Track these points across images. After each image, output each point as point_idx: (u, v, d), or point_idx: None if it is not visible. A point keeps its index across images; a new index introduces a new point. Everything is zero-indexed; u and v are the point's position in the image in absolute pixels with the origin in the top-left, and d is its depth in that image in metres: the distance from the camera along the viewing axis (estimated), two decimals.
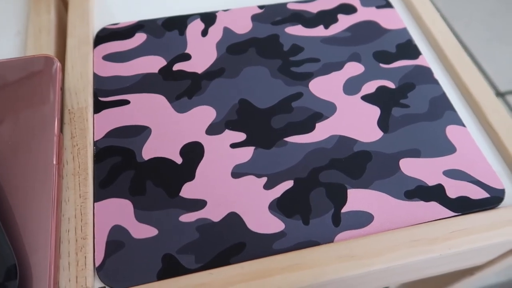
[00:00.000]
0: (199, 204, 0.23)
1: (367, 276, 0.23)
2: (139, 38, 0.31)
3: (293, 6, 0.33)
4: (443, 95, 0.28)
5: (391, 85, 0.29)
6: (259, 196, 0.24)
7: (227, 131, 0.26)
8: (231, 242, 0.22)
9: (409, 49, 0.31)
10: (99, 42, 0.31)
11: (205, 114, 0.27)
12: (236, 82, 0.29)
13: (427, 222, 0.23)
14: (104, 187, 0.24)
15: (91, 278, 0.21)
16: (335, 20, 0.32)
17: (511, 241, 0.23)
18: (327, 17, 0.33)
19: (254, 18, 0.32)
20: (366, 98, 0.28)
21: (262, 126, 0.27)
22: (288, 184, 0.24)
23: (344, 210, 0.23)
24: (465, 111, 0.28)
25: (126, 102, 0.28)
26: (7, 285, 0.19)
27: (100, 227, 0.23)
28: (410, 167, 0.25)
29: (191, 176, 0.24)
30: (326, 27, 0.32)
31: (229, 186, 0.24)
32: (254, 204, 0.24)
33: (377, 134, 0.26)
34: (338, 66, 0.30)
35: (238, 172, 0.25)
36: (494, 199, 0.24)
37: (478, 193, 0.24)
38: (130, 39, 0.31)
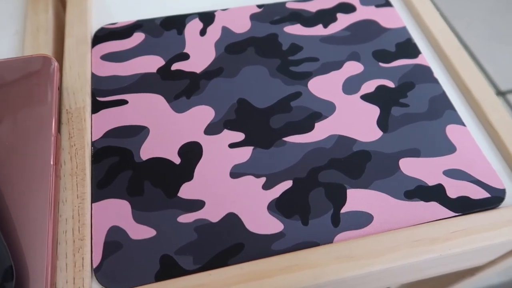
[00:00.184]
0: (198, 204, 0.23)
1: (367, 277, 0.23)
2: (137, 37, 0.31)
3: (292, 5, 0.33)
4: (443, 94, 0.28)
5: (390, 84, 0.29)
6: (258, 196, 0.24)
7: (225, 131, 0.26)
8: (230, 243, 0.22)
9: (408, 48, 0.31)
10: (97, 42, 0.30)
11: (203, 114, 0.27)
12: (234, 81, 0.29)
13: (427, 223, 0.23)
14: (102, 188, 0.24)
15: (88, 280, 0.21)
16: (334, 19, 0.32)
17: None
18: (326, 16, 0.32)
19: (253, 17, 0.32)
20: (365, 97, 0.28)
21: (261, 126, 0.26)
22: (287, 184, 0.24)
23: (343, 210, 0.23)
24: (465, 110, 0.28)
25: (124, 102, 0.27)
26: (3, 287, 0.19)
27: (97, 228, 0.22)
28: (410, 167, 0.25)
29: (189, 176, 0.24)
30: (325, 26, 0.32)
31: (228, 187, 0.24)
32: (253, 205, 0.23)
33: (377, 133, 0.26)
34: (337, 65, 0.30)
35: (236, 172, 0.24)
36: (494, 199, 0.24)
37: (478, 193, 0.24)
38: (128, 39, 0.31)
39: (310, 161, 0.25)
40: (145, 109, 0.27)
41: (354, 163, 0.25)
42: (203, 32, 0.31)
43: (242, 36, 0.31)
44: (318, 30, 0.31)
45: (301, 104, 0.27)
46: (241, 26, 0.32)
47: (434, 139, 0.26)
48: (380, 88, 0.28)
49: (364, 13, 0.33)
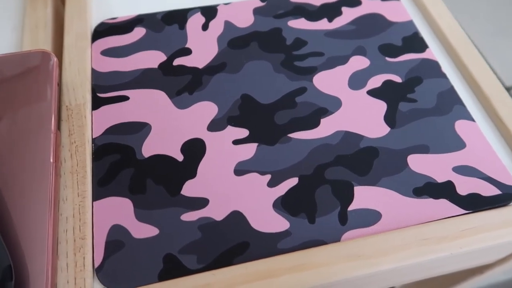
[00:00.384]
0: (201, 202, 0.23)
1: (375, 276, 0.22)
2: (138, 32, 0.30)
3: None
4: (451, 89, 0.28)
5: (397, 79, 0.28)
6: (263, 194, 0.23)
7: (229, 127, 0.26)
8: (234, 242, 0.22)
9: (415, 42, 0.30)
10: (97, 37, 0.30)
11: (206, 110, 0.26)
12: (238, 77, 0.28)
13: (436, 220, 0.22)
14: (103, 186, 0.23)
15: (90, 280, 0.20)
16: (339, 13, 0.32)
17: None
18: (330, 10, 0.32)
19: (256, 11, 0.32)
20: (372, 92, 0.27)
21: (265, 122, 0.26)
22: (292, 182, 0.23)
23: (351, 208, 0.23)
24: (474, 105, 0.27)
25: (125, 98, 0.27)
26: (3, 287, 0.18)
27: (99, 226, 0.22)
28: (419, 163, 0.24)
29: (192, 174, 0.24)
30: (330, 20, 0.31)
31: (232, 184, 0.23)
32: (258, 202, 0.23)
33: (384, 129, 0.26)
34: (343, 60, 0.29)
35: (241, 170, 0.24)
36: (505, 196, 0.23)
37: (489, 190, 0.23)
38: (129, 34, 0.30)
39: (316, 158, 0.24)
40: (146, 105, 0.26)
41: (361, 160, 0.24)
42: (205, 27, 0.31)
43: (245, 31, 0.30)
44: (323, 24, 0.31)
45: (306, 99, 0.27)
46: (244, 20, 0.31)
47: (443, 135, 0.25)
48: (387, 83, 0.28)
49: (369, 6, 0.32)
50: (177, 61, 0.29)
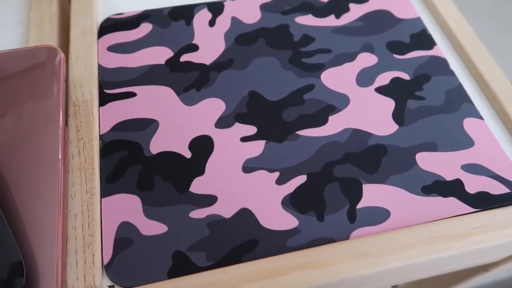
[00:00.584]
0: (210, 199, 0.23)
1: (383, 274, 0.22)
2: (145, 28, 0.30)
3: None
4: (460, 86, 0.27)
5: (405, 76, 0.28)
6: (271, 191, 0.23)
7: (237, 124, 0.25)
8: (243, 239, 0.22)
9: (423, 39, 0.30)
10: (103, 33, 0.30)
11: (214, 106, 0.26)
12: (245, 73, 0.28)
13: (445, 219, 0.22)
14: (111, 182, 0.23)
15: (99, 277, 0.20)
16: (347, 10, 0.31)
17: None
18: (338, 6, 0.31)
19: (263, 7, 0.31)
20: (380, 90, 0.27)
21: (273, 119, 0.26)
22: (301, 179, 0.23)
23: (359, 206, 0.23)
24: (483, 103, 0.27)
25: (133, 94, 0.27)
26: (14, 282, 0.18)
27: (108, 223, 0.22)
28: (427, 161, 0.24)
29: (200, 171, 0.24)
30: (338, 16, 0.31)
31: (240, 181, 0.23)
32: (267, 200, 0.23)
33: (392, 127, 0.26)
34: (351, 57, 0.29)
35: (249, 167, 0.24)
36: None
37: (498, 188, 0.23)
38: (136, 29, 0.30)
39: (325, 155, 0.24)
40: (154, 101, 0.26)
41: (370, 157, 0.24)
42: (212, 23, 0.30)
43: (252, 27, 0.30)
44: (331, 21, 0.31)
45: (314, 96, 0.27)
46: (251, 16, 0.31)
47: (452, 132, 0.25)
48: (395, 80, 0.28)
49: (377, 3, 0.32)
50: (184, 57, 0.28)
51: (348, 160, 0.24)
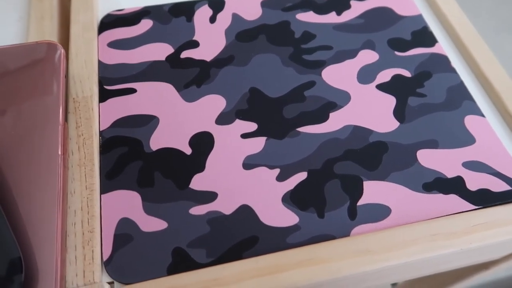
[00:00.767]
0: (210, 196, 0.23)
1: (383, 271, 0.22)
2: (145, 24, 0.30)
3: None
4: (461, 84, 0.27)
5: (406, 73, 0.28)
6: (271, 188, 0.23)
7: (237, 121, 0.25)
8: (243, 236, 0.21)
9: (425, 37, 0.30)
10: (103, 29, 0.29)
11: (214, 103, 0.26)
12: (246, 70, 0.28)
13: (446, 216, 0.22)
14: (111, 179, 0.23)
15: (99, 273, 0.20)
16: (348, 6, 0.31)
17: None
18: (339, 3, 0.31)
19: (264, 4, 0.31)
20: (381, 87, 0.27)
21: (274, 116, 0.26)
22: (301, 176, 0.23)
23: (360, 203, 0.23)
24: (484, 100, 0.27)
25: (133, 90, 0.27)
26: (13, 279, 0.18)
27: (107, 220, 0.22)
28: (428, 158, 0.24)
29: (201, 168, 0.24)
30: (339, 13, 0.31)
31: (241, 178, 0.23)
32: (267, 197, 0.23)
33: (393, 124, 0.25)
34: (352, 54, 0.29)
35: (249, 164, 0.24)
36: None
37: (499, 186, 0.23)
38: (136, 26, 0.30)
39: (325, 152, 0.24)
40: (154, 98, 0.26)
41: (371, 154, 0.24)
42: (212, 19, 0.30)
43: (253, 24, 0.30)
44: (332, 18, 0.30)
45: (315, 93, 0.27)
46: (252, 13, 0.31)
47: (453, 130, 0.25)
48: (396, 77, 0.28)
49: (378, 0, 0.32)
50: (184, 54, 0.28)
51: (348, 157, 0.24)
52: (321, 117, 0.26)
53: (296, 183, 0.23)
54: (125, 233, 0.21)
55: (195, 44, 0.29)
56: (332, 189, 0.23)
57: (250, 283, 0.20)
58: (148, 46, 0.29)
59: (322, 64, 0.28)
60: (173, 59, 0.28)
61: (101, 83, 0.27)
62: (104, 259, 0.21)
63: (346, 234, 0.22)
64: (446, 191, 0.23)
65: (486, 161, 0.24)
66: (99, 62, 0.28)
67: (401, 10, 0.31)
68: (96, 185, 0.23)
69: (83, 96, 0.26)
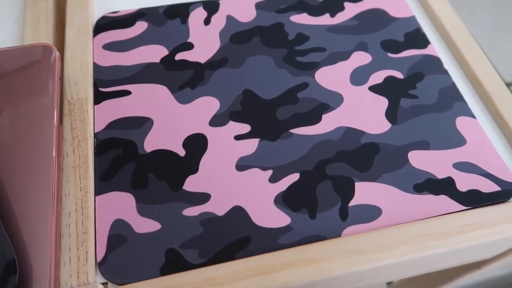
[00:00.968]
0: (203, 197, 0.23)
1: (375, 271, 0.22)
2: (140, 26, 0.30)
3: None
4: (453, 85, 0.28)
5: (399, 75, 0.28)
6: (264, 189, 0.23)
7: (231, 123, 0.26)
8: (236, 237, 0.22)
9: (417, 38, 0.30)
10: (99, 31, 0.30)
11: (208, 105, 0.26)
12: (240, 72, 0.28)
13: (436, 216, 0.23)
14: (105, 180, 0.23)
15: (92, 274, 0.20)
16: (342, 8, 0.31)
17: None
18: (333, 5, 0.32)
19: (258, 6, 0.31)
20: (373, 88, 0.27)
21: (267, 118, 0.26)
22: (294, 177, 0.24)
23: (351, 203, 0.23)
24: (475, 102, 0.27)
25: (127, 92, 0.27)
26: (7, 280, 0.18)
27: (101, 221, 0.22)
28: (419, 159, 0.24)
29: (194, 169, 0.24)
30: (332, 15, 0.31)
31: (234, 179, 0.23)
32: (259, 198, 0.23)
33: (385, 125, 0.26)
34: (345, 55, 0.29)
35: (242, 165, 0.24)
36: (505, 193, 0.23)
37: (488, 186, 0.24)
38: (131, 28, 0.30)
39: (318, 154, 0.24)
40: (148, 100, 0.27)
41: (362, 156, 0.24)
42: (207, 21, 0.30)
43: (247, 25, 0.30)
44: (325, 20, 0.31)
45: (308, 95, 0.27)
46: (246, 15, 0.31)
47: (444, 131, 0.26)
48: (389, 79, 0.28)
49: (372, 2, 0.32)
50: (179, 56, 0.29)
51: (341, 159, 0.24)
52: (314, 118, 0.26)
53: (289, 184, 0.23)
54: (119, 234, 0.22)
55: (189, 46, 0.29)
56: (324, 190, 0.23)
57: (243, 283, 0.20)
58: (143, 48, 0.29)
59: (315, 66, 0.28)
60: (168, 61, 0.28)
61: (96, 85, 0.27)
62: (98, 260, 0.21)
63: (337, 234, 0.22)
64: (436, 192, 0.23)
65: (476, 162, 0.24)
66: (94, 64, 0.28)
67: (394, 11, 0.31)
68: (90, 187, 0.23)
69: (78, 98, 0.26)
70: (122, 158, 0.24)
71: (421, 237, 0.22)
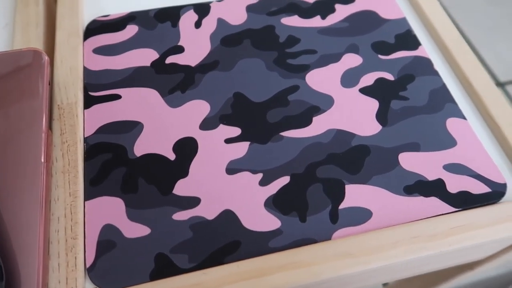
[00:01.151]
0: (193, 201, 0.23)
1: (365, 274, 0.22)
2: (131, 30, 0.30)
3: None
4: (443, 87, 0.28)
5: (390, 77, 0.28)
6: (254, 192, 0.23)
7: (221, 126, 0.26)
8: (226, 241, 0.22)
9: (408, 40, 0.30)
10: (89, 35, 0.30)
11: (198, 108, 0.26)
12: (230, 75, 0.28)
13: (427, 218, 0.23)
14: (94, 185, 0.23)
15: (81, 280, 0.20)
16: (333, 10, 0.31)
17: None
18: (324, 7, 0.32)
19: (249, 8, 0.31)
20: (364, 90, 0.27)
21: (258, 121, 0.26)
22: (284, 180, 0.24)
23: (341, 206, 0.23)
24: (466, 103, 0.27)
25: (117, 96, 0.27)
26: None
27: (91, 226, 0.22)
28: (410, 161, 0.24)
29: (184, 173, 0.24)
30: (323, 17, 0.31)
31: (224, 183, 0.23)
32: (250, 201, 0.23)
33: (376, 127, 0.26)
34: (336, 57, 0.29)
35: (233, 168, 0.24)
36: (495, 194, 0.23)
37: (479, 188, 0.24)
38: (121, 32, 0.30)
39: (308, 156, 0.24)
40: (138, 104, 0.26)
41: (353, 158, 0.24)
42: (198, 24, 0.30)
43: (238, 28, 0.30)
44: (316, 22, 0.31)
45: (299, 98, 0.27)
46: (237, 17, 0.31)
47: (434, 133, 0.26)
48: (379, 81, 0.28)
49: (363, 3, 0.32)
50: (169, 59, 0.29)
51: (331, 161, 0.24)
52: (305, 121, 0.26)
53: (279, 188, 0.23)
54: (108, 240, 0.22)
55: (180, 50, 0.29)
56: (314, 193, 0.23)
57: None
58: (133, 52, 0.29)
59: (306, 68, 0.28)
60: (158, 65, 0.28)
61: (86, 89, 0.27)
62: (87, 265, 0.21)
63: (327, 237, 0.22)
64: (427, 194, 0.23)
65: (466, 164, 0.24)
66: (84, 68, 0.28)
67: (385, 13, 0.31)
68: (80, 192, 0.23)
69: (68, 103, 0.26)
70: (112, 163, 0.24)
71: (412, 239, 0.22)
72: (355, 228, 0.22)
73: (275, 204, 0.23)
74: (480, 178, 0.24)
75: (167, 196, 0.23)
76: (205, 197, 0.23)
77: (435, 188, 0.23)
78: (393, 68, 0.28)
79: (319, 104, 0.27)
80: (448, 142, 0.25)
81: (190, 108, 0.26)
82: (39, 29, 0.29)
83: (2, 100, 0.24)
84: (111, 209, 0.22)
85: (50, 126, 0.25)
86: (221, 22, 0.31)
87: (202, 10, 0.31)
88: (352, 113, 0.26)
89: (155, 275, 0.21)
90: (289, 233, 0.22)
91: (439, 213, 0.23)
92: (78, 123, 0.25)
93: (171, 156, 0.24)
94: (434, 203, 0.23)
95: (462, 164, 0.24)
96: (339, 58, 0.29)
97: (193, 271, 0.21)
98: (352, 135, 0.25)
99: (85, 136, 0.25)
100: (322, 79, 0.28)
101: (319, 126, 0.26)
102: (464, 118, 0.26)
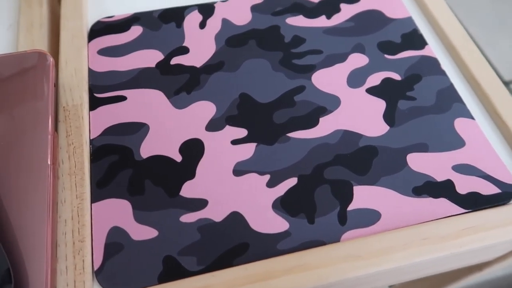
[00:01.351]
0: (200, 203, 0.23)
1: (374, 276, 0.22)
2: (135, 31, 0.30)
3: None
4: (451, 86, 0.27)
5: (396, 77, 0.28)
6: (262, 194, 0.23)
7: (227, 127, 0.25)
8: (234, 243, 0.21)
9: (414, 39, 0.30)
10: (93, 36, 0.29)
11: (204, 109, 0.26)
12: (236, 75, 0.28)
13: (436, 220, 0.22)
14: (101, 187, 0.23)
15: (89, 283, 0.20)
16: (338, 10, 0.31)
17: None
18: (329, 7, 0.31)
19: (254, 8, 0.31)
20: (371, 90, 0.27)
21: (264, 122, 0.26)
22: (292, 182, 0.23)
23: (350, 208, 0.23)
24: (474, 103, 0.27)
25: (123, 98, 0.27)
26: None
27: (98, 229, 0.22)
28: (418, 162, 0.24)
29: (191, 175, 0.24)
30: (329, 17, 0.31)
31: (231, 185, 0.23)
32: (257, 203, 0.23)
33: (383, 128, 0.26)
34: (342, 57, 0.29)
35: (240, 170, 0.24)
36: (505, 195, 0.23)
37: (488, 189, 0.23)
38: (126, 33, 0.30)
39: (315, 158, 0.24)
40: (144, 105, 0.26)
41: (361, 159, 0.24)
42: (202, 25, 0.30)
43: (243, 29, 0.30)
44: (321, 22, 0.31)
45: (305, 98, 0.27)
46: (242, 18, 0.31)
47: (442, 133, 0.25)
48: (386, 81, 0.28)
49: (368, 3, 0.32)
50: (174, 60, 0.28)
51: (338, 162, 0.24)
52: (311, 122, 0.26)
53: (286, 189, 0.23)
54: (116, 242, 0.21)
55: (185, 50, 0.29)
56: (322, 195, 0.23)
57: None
58: (138, 53, 0.29)
59: (312, 69, 0.28)
60: (163, 66, 0.28)
61: (91, 91, 0.27)
62: (95, 268, 0.21)
63: (336, 239, 0.22)
64: (436, 195, 0.23)
65: (476, 164, 0.24)
66: (89, 70, 0.28)
67: (391, 12, 0.31)
68: (86, 194, 0.23)
69: (73, 105, 0.26)
70: (118, 165, 0.24)
71: (421, 241, 0.22)
72: (364, 230, 0.22)
73: (283, 205, 0.23)
74: (489, 179, 0.24)
75: (174, 198, 0.23)
76: (213, 199, 0.23)
77: (444, 189, 0.23)
78: (399, 68, 0.28)
79: (326, 104, 0.26)
80: (457, 142, 0.25)
81: (196, 109, 0.26)
82: (43, 30, 0.29)
83: (8, 102, 0.24)
84: (118, 211, 0.22)
85: (56, 128, 0.24)
86: (225, 22, 0.30)
87: (207, 11, 0.31)
88: (359, 113, 0.26)
89: (163, 278, 0.20)
90: (297, 235, 0.22)
91: (448, 215, 0.23)
92: (84, 125, 0.25)
93: (178, 158, 0.24)
94: (443, 204, 0.23)
95: (471, 164, 0.24)
96: (345, 58, 0.29)
97: (202, 273, 0.21)
98: (359, 136, 0.25)
99: (91, 138, 0.25)
100: (328, 79, 0.28)
101: (326, 126, 0.26)
102: (472, 118, 0.26)
